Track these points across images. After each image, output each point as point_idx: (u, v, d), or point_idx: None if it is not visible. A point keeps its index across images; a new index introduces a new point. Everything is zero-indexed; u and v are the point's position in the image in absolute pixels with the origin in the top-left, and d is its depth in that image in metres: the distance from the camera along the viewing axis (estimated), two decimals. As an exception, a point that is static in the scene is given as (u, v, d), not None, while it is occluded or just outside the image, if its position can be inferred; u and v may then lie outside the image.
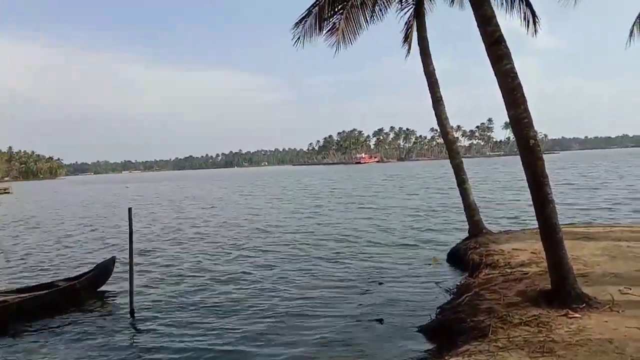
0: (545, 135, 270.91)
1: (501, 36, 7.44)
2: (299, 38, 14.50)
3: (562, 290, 6.64)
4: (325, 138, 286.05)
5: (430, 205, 27.07)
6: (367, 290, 10.03)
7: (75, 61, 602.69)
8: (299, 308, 9.13)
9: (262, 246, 16.27)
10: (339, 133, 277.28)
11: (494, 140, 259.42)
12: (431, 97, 13.65)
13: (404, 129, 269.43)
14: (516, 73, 7.30)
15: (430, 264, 11.84)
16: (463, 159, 13.64)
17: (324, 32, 14.86)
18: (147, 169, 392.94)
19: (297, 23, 14.52)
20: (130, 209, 8.99)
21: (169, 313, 9.21)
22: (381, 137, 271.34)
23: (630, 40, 14.54)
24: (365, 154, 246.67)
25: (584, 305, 6.39)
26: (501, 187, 38.86)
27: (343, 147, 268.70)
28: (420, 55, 13.87)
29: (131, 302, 9.20)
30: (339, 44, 14.93)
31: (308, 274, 11.81)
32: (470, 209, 12.97)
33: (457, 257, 11.73)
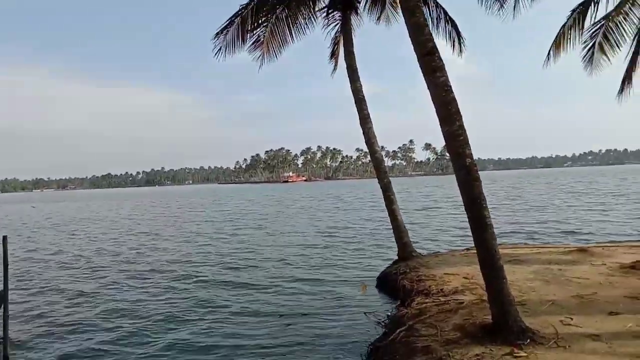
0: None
1: (435, 47, 6.88)
2: (220, 49, 13.56)
3: (504, 325, 6.03)
4: (252, 156, 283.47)
5: (357, 227, 26.19)
6: (288, 324, 8.96)
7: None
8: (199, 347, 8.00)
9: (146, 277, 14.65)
10: (266, 152, 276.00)
11: (415, 160, 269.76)
12: (358, 115, 13.08)
13: (331, 148, 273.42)
14: (450, 87, 6.74)
15: (360, 292, 11.04)
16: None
17: (248, 44, 14.05)
18: (61, 187, 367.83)
19: (217, 33, 13.57)
20: (5, 238, 7.40)
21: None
22: (309, 157, 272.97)
23: (547, 61, 14.87)
24: (292, 172, 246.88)
25: (528, 340, 5.81)
26: (427, 206, 39.44)
27: (271, 166, 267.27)
28: (347, 71, 13.32)
29: (5, 347, 7.55)
30: (263, 57, 14.15)
31: (209, 305, 10.65)
32: (398, 231, 12.42)
33: (386, 283, 11.04)
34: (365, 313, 9.02)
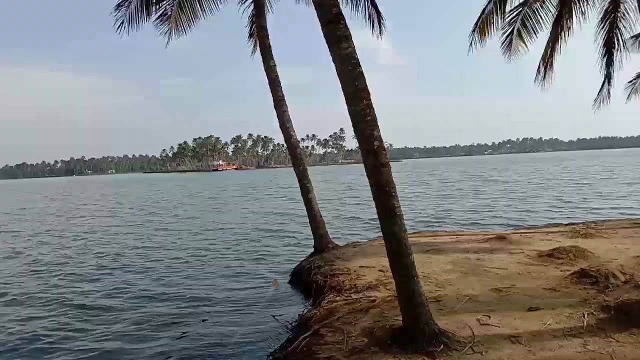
0: (391, 145, 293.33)
1: (341, 14, 5.97)
2: (122, 23, 12.13)
3: (415, 329, 5.31)
4: (179, 144, 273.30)
5: (275, 217, 24.84)
6: (183, 332, 7.82)
7: None
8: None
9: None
10: (194, 139, 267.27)
11: (346, 148, 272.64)
12: (272, 97, 12.05)
13: (262, 136, 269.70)
14: (358, 60, 5.87)
15: (271, 288, 10.11)
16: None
17: (154, 18, 12.66)
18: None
19: (119, 5, 12.13)
20: None
21: None
22: (239, 145, 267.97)
23: (471, 48, 14.59)
24: (223, 161, 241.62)
25: (442, 347, 5.12)
26: (352, 195, 39.26)
27: (199, 154, 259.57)
28: (260, 50, 12.25)
29: None
30: (171, 33, 12.81)
31: (96, 310, 9.36)
32: (315, 221, 11.60)
33: (300, 278, 10.19)
34: (273, 315, 8.09)
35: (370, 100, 5.79)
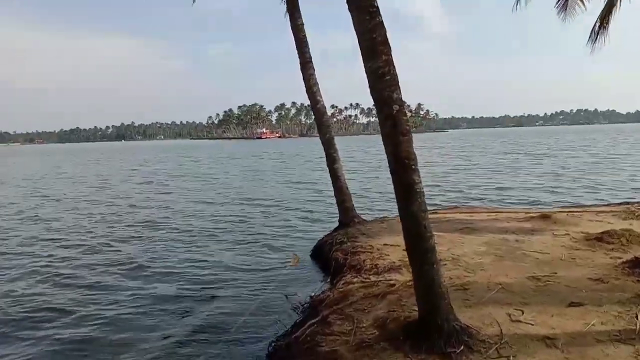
0: (437, 114, 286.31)
1: (358, -45, 5.09)
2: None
3: (432, 325, 4.57)
4: (225, 112, 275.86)
5: (303, 188, 23.98)
6: (187, 310, 7.32)
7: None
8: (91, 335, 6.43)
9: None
10: (239, 107, 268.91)
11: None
12: (299, 58, 11.25)
13: (306, 105, 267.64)
14: (377, 8, 4.98)
15: (290, 264, 9.54)
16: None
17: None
18: (27, 142, 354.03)
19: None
20: None
21: None
22: (283, 113, 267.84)
23: (516, 5, 13.22)
24: (266, 129, 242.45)
25: (462, 347, 4.38)
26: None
27: (244, 122, 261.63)
28: (287, 6, 11.38)
29: None
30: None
31: (108, 288, 8.80)
32: (341, 193, 10.89)
33: (321, 254, 9.58)
34: (286, 296, 7.52)
35: (390, 56, 4.92)
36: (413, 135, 5.06)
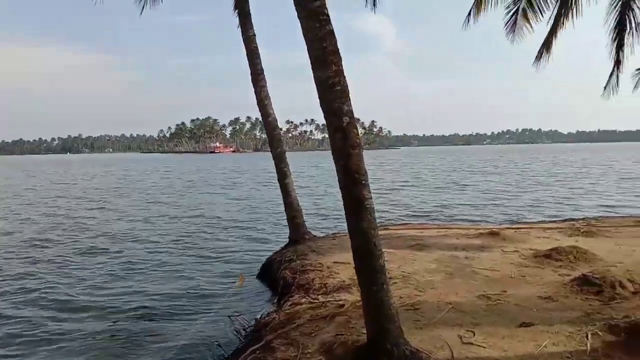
0: (389, 132, 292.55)
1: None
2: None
3: (381, 350, 4.31)
4: (177, 125, 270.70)
5: (253, 205, 23.13)
6: (123, 334, 6.79)
7: None
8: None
9: None
10: (192, 120, 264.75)
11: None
12: (250, 70, 10.95)
13: (261, 119, 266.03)
14: (328, 16, 4.77)
15: (235, 284, 9.06)
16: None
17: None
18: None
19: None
20: None
21: None
22: (237, 127, 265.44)
23: (467, 22, 13.55)
24: (220, 143, 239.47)
25: (411, 374, 4.14)
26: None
27: (197, 136, 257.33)
28: (239, 17, 11.10)
29: None
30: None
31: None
32: (291, 209, 10.59)
33: (269, 273, 9.19)
34: (229, 316, 7.09)
35: (341, 66, 4.71)
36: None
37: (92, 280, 9.84)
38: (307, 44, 4.81)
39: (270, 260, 9.69)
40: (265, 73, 10.97)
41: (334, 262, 8.26)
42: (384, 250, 4.65)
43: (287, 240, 10.60)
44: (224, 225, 16.69)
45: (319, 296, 6.74)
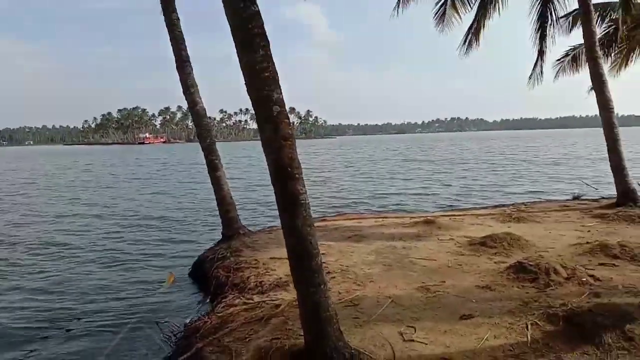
0: (325, 121, 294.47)
1: None
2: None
3: (319, 354, 4.04)
4: (103, 115, 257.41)
5: (182, 199, 21.80)
6: (34, 348, 6.11)
7: None
8: None
9: None
10: (119, 110, 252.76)
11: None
12: (175, 57, 10.26)
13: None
14: (254, -4, 4.39)
15: (164, 284, 8.49)
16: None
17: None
18: None
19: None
20: None
21: None
22: (168, 117, 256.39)
23: (397, 9, 13.65)
24: (149, 134, 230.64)
25: (351, 378, 3.89)
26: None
27: (124, 126, 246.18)
28: (161, 1, 10.35)
29: None
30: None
31: None
32: (224, 203, 10.10)
33: (201, 272, 8.66)
34: (157, 322, 6.57)
35: (269, 50, 4.31)
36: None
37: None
38: (231, 26, 4.38)
39: (203, 257, 9.15)
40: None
41: (270, 258, 7.90)
42: (321, 243, 4.38)
43: (221, 235, 10.10)
44: (151, 222, 15.60)
45: (254, 296, 6.37)
